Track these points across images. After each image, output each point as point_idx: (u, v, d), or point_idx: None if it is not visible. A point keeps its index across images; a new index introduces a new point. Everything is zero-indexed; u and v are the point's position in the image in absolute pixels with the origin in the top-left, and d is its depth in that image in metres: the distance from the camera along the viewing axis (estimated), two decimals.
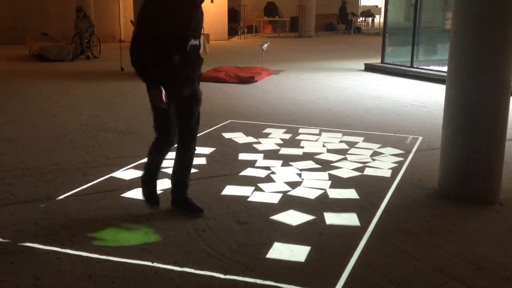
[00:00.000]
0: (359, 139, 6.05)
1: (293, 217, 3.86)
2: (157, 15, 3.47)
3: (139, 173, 4.79)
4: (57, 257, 3.24)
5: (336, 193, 4.34)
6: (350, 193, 4.34)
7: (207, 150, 5.53)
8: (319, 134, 6.25)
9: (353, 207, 4.05)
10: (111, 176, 4.74)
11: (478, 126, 4.10)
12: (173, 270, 3.09)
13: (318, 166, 5.06)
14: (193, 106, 3.78)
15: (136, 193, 4.28)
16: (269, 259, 3.23)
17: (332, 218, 3.83)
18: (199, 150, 5.51)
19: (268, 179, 4.69)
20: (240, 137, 6.09)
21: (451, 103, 4.22)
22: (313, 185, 4.54)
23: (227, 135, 6.20)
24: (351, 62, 13.37)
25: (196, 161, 5.15)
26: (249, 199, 4.21)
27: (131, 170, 4.91)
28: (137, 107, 7.82)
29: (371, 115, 7.38)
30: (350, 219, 3.83)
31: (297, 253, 3.32)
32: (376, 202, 4.16)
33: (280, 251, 3.34)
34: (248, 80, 10.21)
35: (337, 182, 4.61)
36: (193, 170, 4.99)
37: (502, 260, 3.27)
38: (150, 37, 3.44)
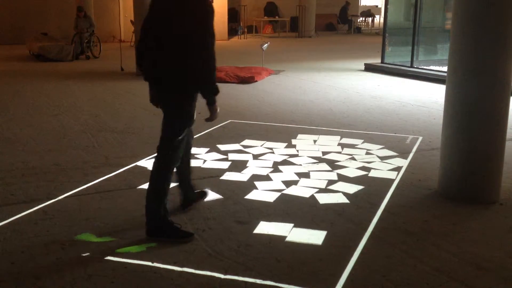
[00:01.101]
0: (359, 139, 6.05)
1: (293, 217, 3.86)
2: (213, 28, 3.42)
3: (138, 173, 4.80)
4: (57, 257, 3.24)
5: (337, 192, 4.35)
6: (353, 188, 4.36)
7: (207, 150, 5.53)
8: (319, 134, 6.24)
9: (353, 207, 4.06)
10: (111, 176, 4.74)
11: (478, 126, 4.10)
12: (173, 270, 3.09)
13: (317, 166, 5.06)
14: None
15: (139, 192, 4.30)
16: (269, 258, 3.24)
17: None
18: (198, 150, 5.52)
19: (267, 178, 4.69)
20: (240, 142, 6.09)
21: (451, 103, 4.22)
22: (313, 184, 4.54)
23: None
24: (351, 62, 13.37)
25: (196, 161, 5.15)
26: (249, 199, 4.21)
27: (131, 170, 4.91)
28: (137, 107, 7.82)
29: (371, 115, 7.38)
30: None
31: (298, 251, 3.32)
32: (376, 202, 4.16)
33: (281, 249, 3.34)
34: (248, 80, 10.21)
35: (337, 182, 4.60)
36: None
37: (502, 260, 3.27)
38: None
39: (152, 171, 3.52)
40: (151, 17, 3.49)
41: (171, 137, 3.46)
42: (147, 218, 3.50)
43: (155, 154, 3.54)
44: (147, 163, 5.10)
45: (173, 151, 3.47)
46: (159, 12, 3.44)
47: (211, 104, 3.48)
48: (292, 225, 3.72)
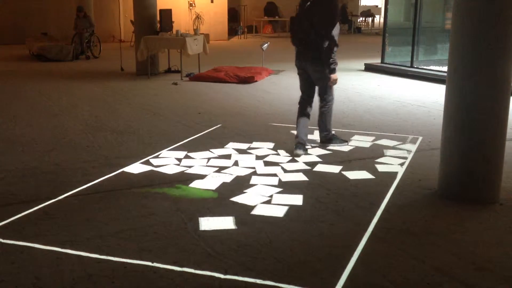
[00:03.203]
0: (359, 139, 6.04)
1: (293, 217, 3.86)
2: None
3: (138, 173, 4.80)
4: (57, 257, 3.24)
5: (337, 192, 4.35)
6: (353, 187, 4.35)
7: (207, 150, 5.53)
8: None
9: (353, 207, 4.06)
10: (111, 176, 4.74)
11: (478, 126, 4.10)
12: (173, 270, 3.09)
13: (318, 166, 5.06)
14: None
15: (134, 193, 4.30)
16: (269, 258, 3.24)
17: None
18: (199, 149, 5.52)
19: (267, 178, 4.69)
20: (239, 142, 6.09)
21: (451, 103, 4.22)
22: (312, 184, 4.53)
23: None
24: (351, 62, 13.35)
25: (195, 161, 5.15)
26: (249, 198, 4.20)
27: (131, 170, 4.91)
28: (137, 107, 7.82)
29: (371, 115, 7.38)
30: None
31: (297, 251, 3.32)
32: (376, 202, 4.16)
33: (281, 249, 3.34)
34: (248, 80, 10.21)
35: (337, 182, 4.60)
36: (191, 170, 4.99)
37: (502, 260, 3.27)
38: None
39: (323, 108, 5.63)
40: (301, 17, 5.44)
41: (327, 87, 5.49)
42: (323, 133, 5.73)
43: (321, 103, 5.60)
44: (147, 163, 5.11)
45: (331, 94, 5.62)
46: (306, 14, 5.32)
47: (331, 73, 5.34)
48: (292, 225, 3.72)
